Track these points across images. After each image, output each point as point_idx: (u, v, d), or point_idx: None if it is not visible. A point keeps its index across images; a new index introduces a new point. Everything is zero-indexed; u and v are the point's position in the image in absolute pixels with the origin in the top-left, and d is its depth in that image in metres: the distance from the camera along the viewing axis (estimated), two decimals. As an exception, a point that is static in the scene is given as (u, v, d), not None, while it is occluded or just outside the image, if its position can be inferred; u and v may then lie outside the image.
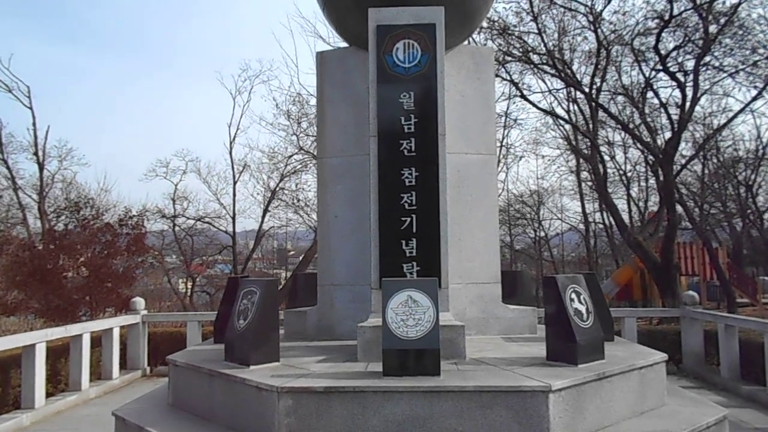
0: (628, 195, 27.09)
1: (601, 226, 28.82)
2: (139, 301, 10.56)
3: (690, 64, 15.43)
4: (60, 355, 8.57)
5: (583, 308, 4.32)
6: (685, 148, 18.51)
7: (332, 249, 5.73)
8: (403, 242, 4.84)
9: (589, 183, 25.60)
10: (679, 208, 18.44)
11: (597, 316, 4.42)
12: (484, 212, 5.70)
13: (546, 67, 17.02)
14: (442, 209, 4.93)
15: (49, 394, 8.01)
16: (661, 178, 18.57)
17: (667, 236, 17.72)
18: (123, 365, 10.11)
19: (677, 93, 16.26)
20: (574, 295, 4.31)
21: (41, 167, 23.60)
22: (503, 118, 20.40)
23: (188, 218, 27.53)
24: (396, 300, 3.93)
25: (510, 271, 6.78)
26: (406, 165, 4.90)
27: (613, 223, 26.03)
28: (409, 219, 4.87)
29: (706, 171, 24.81)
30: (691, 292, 10.29)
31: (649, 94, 17.93)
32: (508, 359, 4.38)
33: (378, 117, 4.98)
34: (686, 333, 9.66)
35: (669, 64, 15.56)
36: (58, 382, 8.55)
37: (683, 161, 19.29)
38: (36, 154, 23.44)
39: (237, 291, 4.64)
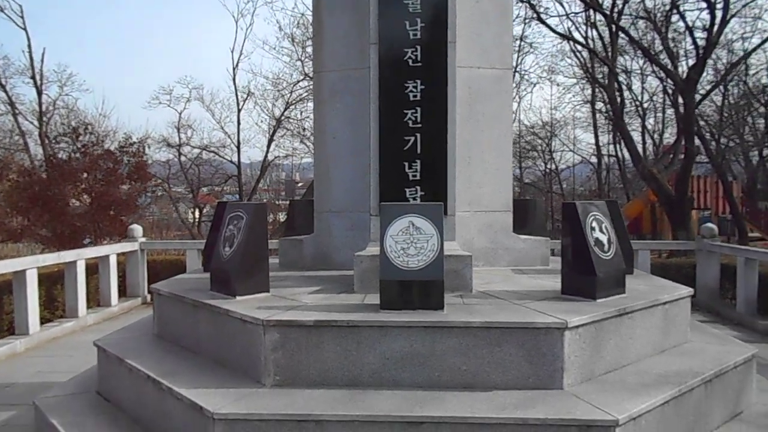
0: (644, 126, 26.24)
1: (613, 158, 28.16)
2: (137, 229, 10.28)
3: (722, -18, 14.29)
4: (56, 281, 8.38)
5: (604, 238, 3.89)
6: (705, 79, 17.52)
7: (330, 173, 5.27)
8: (406, 164, 4.37)
9: (604, 114, 24.77)
10: (695, 141, 17.71)
11: (618, 247, 4.00)
12: (497, 134, 5.17)
13: (566, -15, 15.87)
14: (450, 128, 4.42)
15: (46, 321, 7.88)
16: (681, 107, 17.80)
17: (684, 168, 17.15)
18: (123, 293, 9.98)
19: (704, 15, 15.18)
20: (595, 224, 3.87)
21: (39, 92, 23.00)
22: (518, 42, 19.35)
23: (193, 147, 27.22)
24: (396, 226, 3.51)
25: (521, 199, 6.33)
26: (410, 77, 4.35)
27: (625, 155, 25.39)
28: (413, 138, 4.37)
29: (727, 102, 23.85)
30: (710, 225, 9.85)
31: (674, 18, 16.81)
32: (518, 292, 4.00)
33: (379, 21, 4.38)
34: (702, 266, 9.30)
35: (699, -19, 14.42)
36: (55, 309, 8.40)
37: (704, 90, 18.40)
38: (33, 78, 22.77)
39: (223, 216, 4.24)
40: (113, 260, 9.25)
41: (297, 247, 5.46)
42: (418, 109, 4.35)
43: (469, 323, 3.22)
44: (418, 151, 4.35)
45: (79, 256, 8.29)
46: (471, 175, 5.07)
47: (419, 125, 4.36)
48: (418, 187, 4.36)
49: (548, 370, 3.21)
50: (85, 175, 17.19)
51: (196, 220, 28.73)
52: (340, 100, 5.25)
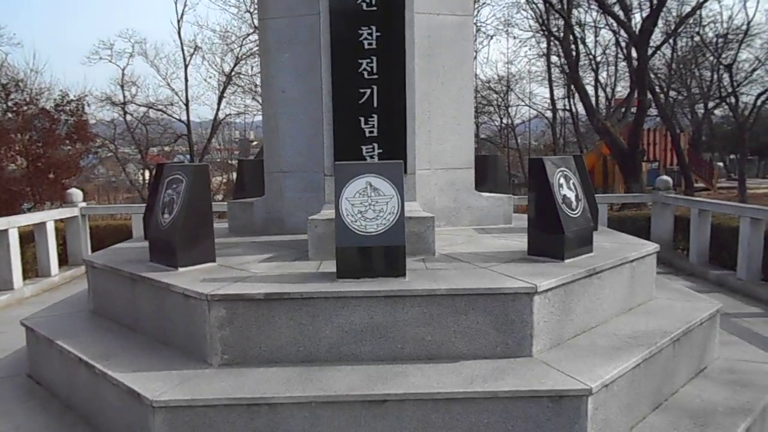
0: (597, 80, 26.39)
1: (567, 113, 28.35)
2: (76, 193, 9.61)
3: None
4: (-14, 252, 7.76)
5: (572, 195, 3.69)
6: (655, 33, 17.53)
7: (280, 130, 4.88)
8: (362, 119, 4.03)
9: (559, 67, 24.74)
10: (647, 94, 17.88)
11: (586, 204, 3.82)
12: (458, 86, 4.87)
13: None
14: (408, 80, 4.09)
15: (-22, 295, 7.32)
16: (634, 60, 17.85)
17: (636, 121, 17.37)
18: (65, 262, 9.42)
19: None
20: (563, 180, 3.66)
21: (-38, 46, 21.18)
22: (474, -8, 18.83)
23: (139, 105, 26.06)
24: (352, 188, 3.20)
25: (482, 155, 6.09)
26: (365, 22, 3.96)
27: (579, 110, 25.58)
28: (369, 91, 4.02)
29: (675, 55, 24.12)
30: (665, 177, 9.93)
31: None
32: (483, 254, 3.79)
33: (329, -41, 3.96)
34: (657, 218, 9.40)
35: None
36: (-11, 282, 7.81)
37: (656, 44, 18.48)
38: (-47, 30, 20.91)
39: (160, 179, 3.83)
40: (50, 227, 8.63)
41: (247, 210, 5.10)
42: (374, 58, 3.99)
43: (433, 291, 2.99)
44: (375, 104, 4.02)
45: (10, 224, 7.66)
46: (431, 130, 4.78)
47: (375, 76, 4.01)
48: (376, 144, 4.05)
49: (517, 338, 3.03)
50: (19, 136, 16.10)
51: (146, 182, 27.62)
52: (288, 49, 4.81)
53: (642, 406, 3.12)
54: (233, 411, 2.66)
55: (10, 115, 16.33)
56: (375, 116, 4.02)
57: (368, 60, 3.98)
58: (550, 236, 3.59)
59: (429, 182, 4.79)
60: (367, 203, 3.17)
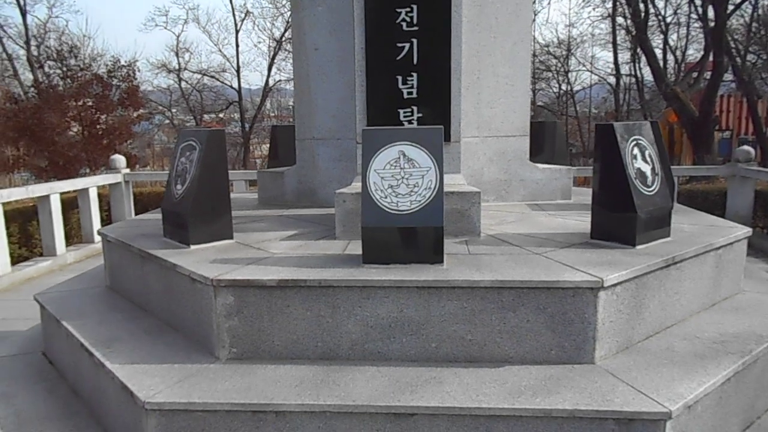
0: (665, 43, 24.53)
1: (632, 79, 26.62)
2: (119, 159, 9.51)
3: None
4: (31, 218, 7.76)
5: (647, 168, 3.08)
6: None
7: (313, 92, 4.42)
8: (400, 78, 3.52)
9: (624, 29, 23.10)
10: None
11: (664, 180, 3.21)
12: (512, 41, 4.26)
13: None
14: (454, 32, 3.53)
15: (24, 259, 7.33)
16: (710, 21, 16.36)
17: (710, 86, 16.02)
18: (110, 228, 9.41)
19: None
20: (636, 150, 3.05)
21: (23, 12, 21.61)
22: (534, -53, 17.62)
23: (192, 72, 26.33)
24: (383, 158, 2.72)
25: (539, 122, 5.46)
26: (404, -36, 3.41)
27: (645, 75, 23.91)
28: (407, 45, 3.49)
29: (756, 14, 22.06)
30: (746, 147, 8.90)
31: None
32: (537, 236, 3.26)
33: None
34: (734, 193, 8.46)
35: None
36: (33, 247, 7.83)
37: (735, 1, 16.82)
38: (14, -4, 21.29)
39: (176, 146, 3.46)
40: (93, 193, 8.56)
41: (278, 180, 4.71)
42: (414, 7, 3.44)
43: (476, 282, 2.50)
44: (415, 61, 3.48)
45: (52, 190, 7.59)
46: (480, 92, 4.21)
47: (415, 28, 3.46)
48: (415, 108, 3.53)
49: (576, 341, 2.51)
50: (74, 102, 16.32)
51: (201, 148, 27.87)
52: (322, 2, 4.31)
53: (730, 426, 2.57)
54: (236, 418, 2.29)
55: (65, 81, 16.55)
56: (414, 75, 3.49)
57: (407, 9, 3.44)
58: (620, 217, 3.01)
59: (477, 151, 4.24)
60: (399, 176, 2.69)
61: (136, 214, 9.55)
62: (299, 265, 2.75)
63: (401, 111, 3.52)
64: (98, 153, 16.26)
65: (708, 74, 17.59)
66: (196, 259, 2.92)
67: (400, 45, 3.48)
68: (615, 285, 2.54)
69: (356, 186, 3.41)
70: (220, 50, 25.40)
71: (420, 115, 3.53)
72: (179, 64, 25.38)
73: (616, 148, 2.95)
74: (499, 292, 2.50)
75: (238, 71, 24.55)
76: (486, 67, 4.23)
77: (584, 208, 3.42)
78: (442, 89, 3.51)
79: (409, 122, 3.52)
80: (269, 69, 24.45)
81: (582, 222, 3.47)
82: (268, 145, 6.92)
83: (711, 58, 16.42)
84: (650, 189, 3.06)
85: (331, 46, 4.30)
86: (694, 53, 24.50)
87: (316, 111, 4.43)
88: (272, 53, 24.57)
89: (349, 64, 4.03)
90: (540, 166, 4.53)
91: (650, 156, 3.13)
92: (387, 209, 2.67)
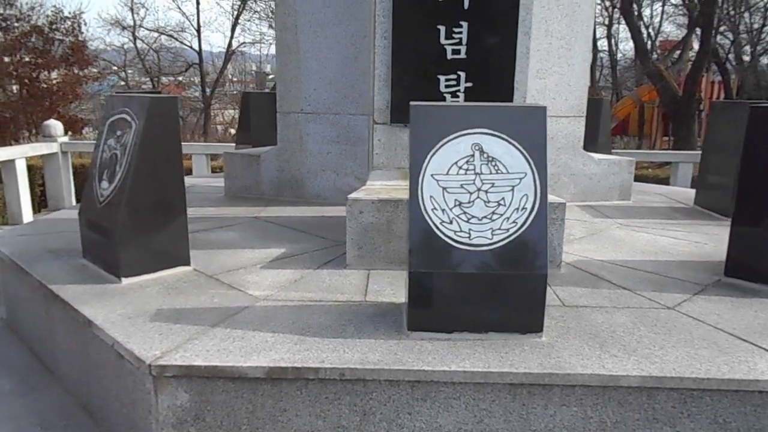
0: (639, 18, 23.85)
1: (606, 55, 25.98)
2: (55, 125, 8.05)
3: None
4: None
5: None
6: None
7: (302, 50, 3.25)
8: (443, 29, 2.40)
9: (604, 3, 22.29)
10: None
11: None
12: (572, -10, 3.18)
13: None
14: (519, -35, 2.43)
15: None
16: None
17: (696, 65, 15.40)
18: (44, 205, 8.04)
19: None
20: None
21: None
22: None
23: (149, 30, 24.74)
24: (446, 155, 1.62)
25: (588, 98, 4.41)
26: None
27: (618, 52, 23.24)
28: (455, -21, 2.36)
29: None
30: None
31: None
32: (637, 267, 2.24)
33: None
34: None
35: None
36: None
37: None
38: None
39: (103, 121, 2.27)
40: (21, 166, 7.15)
41: (252, 166, 3.55)
42: None
43: (614, 379, 1.45)
44: (466, 4, 2.36)
45: (-34, 162, 6.21)
46: (529, 55, 3.13)
47: (468, -46, 2.34)
48: (462, 74, 2.41)
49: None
50: (9, 56, 14.52)
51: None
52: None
53: None
54: None
55: (-1, 33, 14.69)
56: (464, 25, 2.38)
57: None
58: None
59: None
60: (473, 187, 1.61)
61: (77, 191, 8.18)
62: (301, 328, 1.65)
63: (443, 77, 2.40)
64: (39, 115, 14.57)
65: (693, 53, 17.03)
66: (127, 309, 1.78)
67: (443, -21, 2.36)
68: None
69: (376, 187, 2.30)
70: (179, 7, 23.68)
71: (469, 84, 2.42)
72: (134, 20, 23.64)
73: (787, 145, 1.94)
74: (650, 394, 1.47)
75: (198, 31, 22.97)
76: (537, 22, 3.14)
77: (657, 215, 2.47)
78: (503, 48, 2.41)
79: (453, 95, 2.41)
80: (233, 30, 22.97)
81: (678, 241, 2.48)
82: (231, 111, 5.77)
83: (700, 36, 15.77)
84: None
85: (329, -13, 3.13)
86: (672, 30, 23.95)
87: (306, 75, 3.26)
88: (236, 12, 23.02)
89: (354, 11, 2.89)
90: (596, 156, 3.51)
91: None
92: (453, 242, 1.58)
